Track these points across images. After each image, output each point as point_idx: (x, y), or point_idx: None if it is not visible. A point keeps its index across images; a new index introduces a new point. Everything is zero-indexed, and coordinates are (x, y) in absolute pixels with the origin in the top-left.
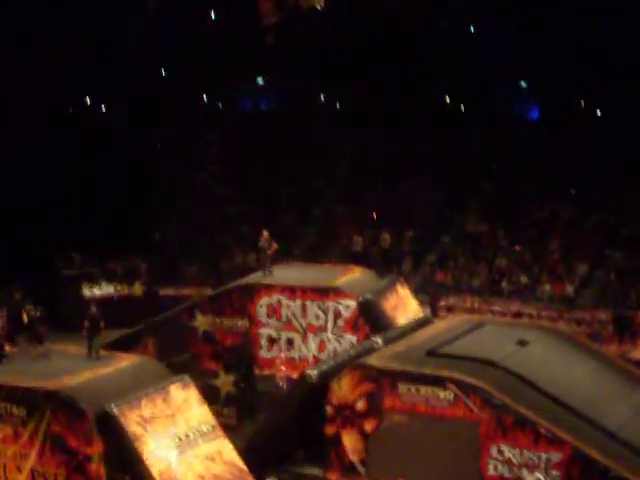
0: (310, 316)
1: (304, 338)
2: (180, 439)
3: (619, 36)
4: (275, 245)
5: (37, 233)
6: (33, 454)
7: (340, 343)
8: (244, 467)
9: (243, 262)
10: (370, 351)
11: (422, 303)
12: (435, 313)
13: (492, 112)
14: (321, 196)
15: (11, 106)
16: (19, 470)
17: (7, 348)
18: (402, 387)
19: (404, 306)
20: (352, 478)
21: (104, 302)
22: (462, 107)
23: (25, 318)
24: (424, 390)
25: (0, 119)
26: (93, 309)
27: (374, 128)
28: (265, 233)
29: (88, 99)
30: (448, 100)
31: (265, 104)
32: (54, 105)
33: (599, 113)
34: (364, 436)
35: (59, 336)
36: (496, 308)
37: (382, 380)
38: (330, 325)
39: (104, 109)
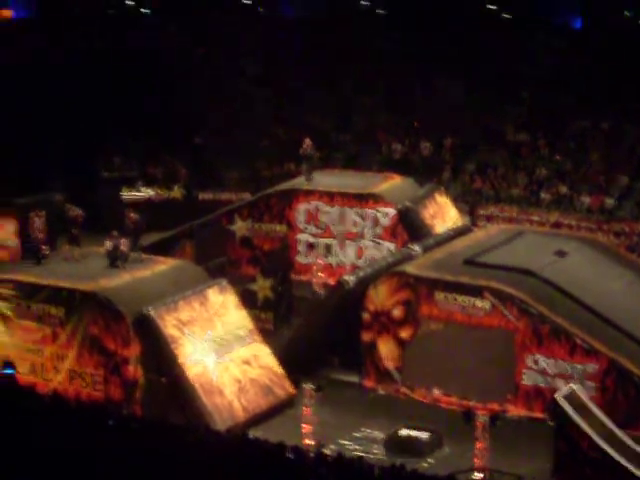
0: (348, 223)
1: (341, 245)
2: (217, 343)
3: None
4: (317, 153)
5: (78, 136)
6: (71, 355)
7: (378, 250)
8: (280, 371)
9: (282, 168)
10: (408, 259)
11: (461, 212)
12: (474, 222)
13: (534, 20)
14: (360, 103)
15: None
16: (57, 370)
17: (46, 249)
18: (439, 295)
19: (443, 214)
20: (387, 385)
21: (143, 205)
22: (504, 14)
23: (66, 219)
24: (461, 299)
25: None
26: (132, 214)
27: (413, 33)
28: (308, 140)
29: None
30: (491, 6)
31: (306, 9)
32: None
33: None
34: (400, 343)
35: (98, 238)
36: (535, 218)
37: (419, 288)
38: (368, 232)
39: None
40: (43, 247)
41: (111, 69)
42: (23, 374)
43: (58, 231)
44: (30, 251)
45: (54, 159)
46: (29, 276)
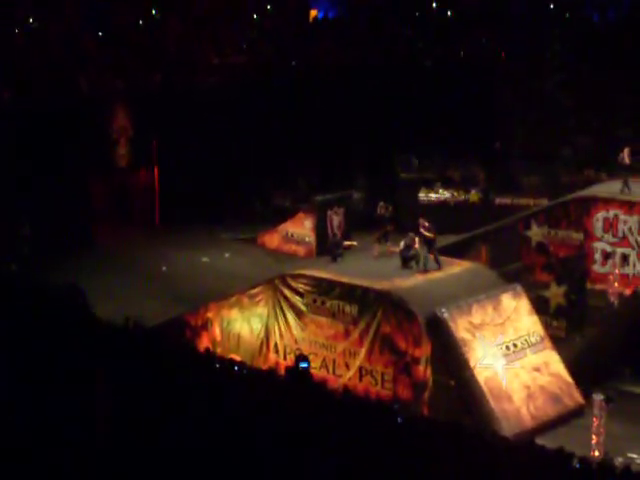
0: None
1: (639, 255)
2: (508, 348)
3: None
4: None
5: (379, 137)
6: (362, 352)
7: None
8: (570, 380)
9: (581, 174)
10: None
11: None
12: None
13: None
14: None
15: None
16: (347, 367)
17: (348, 245)
18: None
19: None
20: None
21: (440, 207)
22: None
23: (376, 216)
24: None
25: None
26: (424, 221)
27: None
28: (626, 149)
29: None
30: None
31: (613, 13)
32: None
33: None
34: None
35: (395, 238)
36: None
37: None
38: None
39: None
40: (346, 243)
41: (413, 71)
42: (315, 369)
43: (354, 228)
44: (330, 248)
45: (356, 158)
46: (324, 272)
